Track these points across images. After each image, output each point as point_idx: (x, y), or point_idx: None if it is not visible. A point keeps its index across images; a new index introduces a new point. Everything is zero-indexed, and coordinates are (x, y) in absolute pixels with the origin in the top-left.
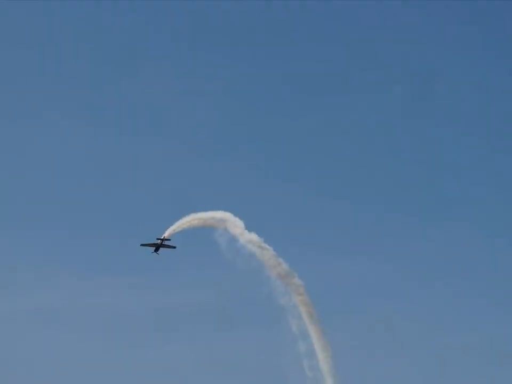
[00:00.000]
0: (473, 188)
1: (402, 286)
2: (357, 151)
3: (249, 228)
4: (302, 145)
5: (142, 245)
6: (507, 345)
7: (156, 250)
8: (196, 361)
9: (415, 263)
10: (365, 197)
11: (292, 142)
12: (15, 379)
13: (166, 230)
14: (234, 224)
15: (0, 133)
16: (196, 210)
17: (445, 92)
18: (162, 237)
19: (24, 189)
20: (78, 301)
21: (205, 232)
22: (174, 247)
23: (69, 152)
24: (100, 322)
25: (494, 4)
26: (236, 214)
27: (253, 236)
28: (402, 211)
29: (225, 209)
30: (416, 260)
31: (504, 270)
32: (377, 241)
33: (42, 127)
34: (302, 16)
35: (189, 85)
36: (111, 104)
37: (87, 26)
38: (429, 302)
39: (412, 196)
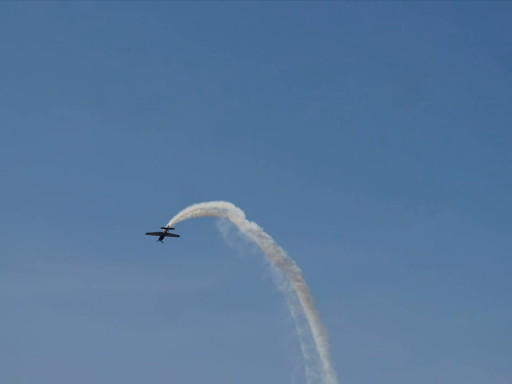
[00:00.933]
0: (462, 179)
1: (395, 272)
2: (352, 144)
3: (249, 217)
4: (300, 138)
5: (147, 233)
6: (493, 328)
7: (161, 238)
8: (199, 343)
9: (406, 251)
10: (360, 188)
11: (290, 135)
12: (28, 360)
13: (170, 219)
14: (236, 214)
15: (14, 126)
16: (198, 200)
17: (433, 87)
18: (166, 226)
19: (37, 180)
20: (88, 286)
21: (207, 221)
22: (178, 236)
23: (78, 145)
24: (108, 307)
25: (482, 4)
26: (237, 204)
27: (253, 225)
28: (395, 202)
29: (226, 199)
30: (408, 247)
31: (491, 257)
32: (371, 230)
33: (52, 121)
34: (301, 16)
35: (192, 81)
36: (118, 99)
37: (96, 24)
38: (419, 287)
39: (404, 187)
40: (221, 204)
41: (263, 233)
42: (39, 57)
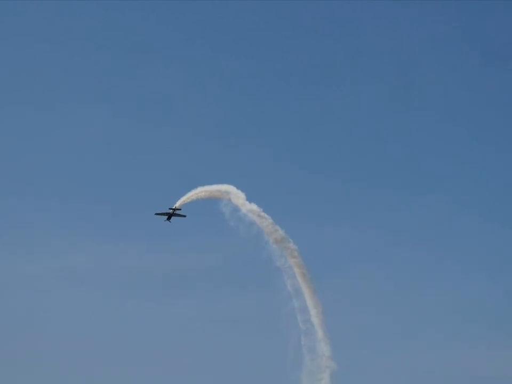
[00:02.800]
0: (449, 164)
1: (383, 250)
2: (347, 133)
3: (250, 199)
4: (297, 128)
5: (157, 214)
6: (475, 302)
7: (168, 218)
8: (203, 316)
9: (395, 230)
10: (353, 173)
11: (288, 125)
12: (45, 331)
13: (177, 201)
14: (237, 196)
15: (32, 119)
16: (203, 183)
17: (423, 83)
18: (174, 207)
19: (56, 168)
20: (101, 263)
21: (211, 202)
22: (184, 216)
23: (92, 136)
24: (120, 281)
25: (468, 4)
26: (238, 187)
27: (253, 206)
28: (385, 185)
29: (229, 182)
30: (396, 227)
31: (473, 235)
32: (362, 211)
33: (67, 114)
34: (299, 17)
35: (196, 76)
36: (126, 95)
37: (106, 25)
38: (407, 264)
39: (393, 172)
40: (223, 187)
41: (263, 214)
42: (56, 58)
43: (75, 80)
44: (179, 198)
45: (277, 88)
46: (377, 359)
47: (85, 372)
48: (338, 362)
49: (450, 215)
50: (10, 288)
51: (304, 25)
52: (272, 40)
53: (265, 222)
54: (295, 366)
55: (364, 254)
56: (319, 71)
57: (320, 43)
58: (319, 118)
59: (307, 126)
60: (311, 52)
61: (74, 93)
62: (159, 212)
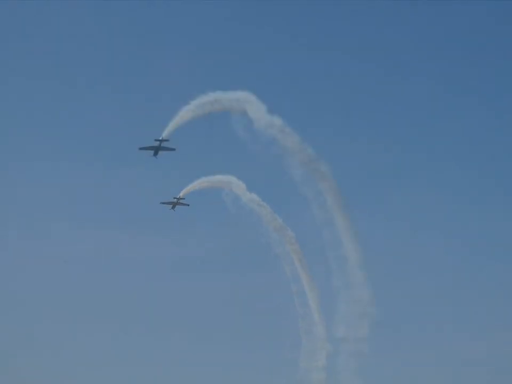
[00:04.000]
0: (437, 158)
1: (379, 240)
2: (341, 127)
3: (250, 189)
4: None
5: (162, 203)
6: (462, 283)
7: (173, 207)
8: (207, 300)
9: (390, 218)
10: (348, 164)
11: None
12: (56, 313)
13: (181, 190)
14: (238, 186)
15: (50, 111)
16: (206, 174)
17: (410, 77)
18: (178, 196)
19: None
20: (111, 251)
21: (213, 192)
22: (188, 205)
23: (103, 127)
24: (124, 270)
25: (454, 6)
26: (238, 177)
27: (253, 196)
28: (379, 178)
29: (230, 173)
30: (391, 214)
31: (460, 222)
32: (355, 202)
33: (83, 105)
34: (297, 16)
35: (198, 70)
36: (130, 88)
37: (123, 27)
38: (400, 248)
39: (387, 165)
40: (225, 178)
41: (262, 203)
42: (74, 55)
43: (91, 76)
44: (183, 188)
45: (276, 84)
46: (371, 342)
47: (94, 357)
48: (334, 344)
49: (441, 206)
50: (27, 276)
51: (302, 25)
52: (273, 40)
53: (264, 210)
54: (293, 348)
55: (359, 243)
56: (312, 62)
57: (320, 44)
58: (312, 108)
59: (304, 120)
60: (309, 49)
61: (83, 89)
62: (164, 201)
